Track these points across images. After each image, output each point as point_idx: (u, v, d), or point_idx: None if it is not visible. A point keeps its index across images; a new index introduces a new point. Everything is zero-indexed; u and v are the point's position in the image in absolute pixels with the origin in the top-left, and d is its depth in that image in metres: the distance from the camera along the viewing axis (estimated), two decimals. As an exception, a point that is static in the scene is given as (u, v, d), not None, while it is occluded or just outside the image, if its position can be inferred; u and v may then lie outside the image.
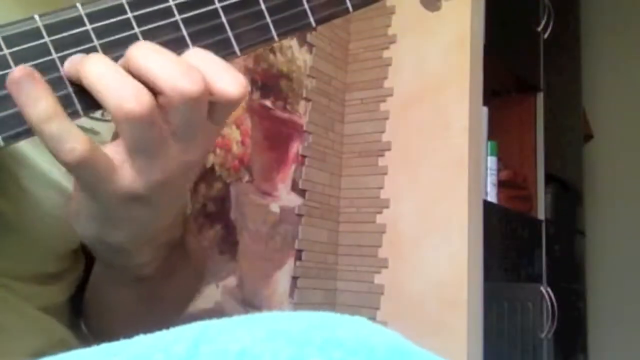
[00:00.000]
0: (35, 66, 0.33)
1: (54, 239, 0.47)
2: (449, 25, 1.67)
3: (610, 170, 2.73)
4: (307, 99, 1.68)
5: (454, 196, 1.57)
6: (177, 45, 0.36)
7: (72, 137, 0.32)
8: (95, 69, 0.33)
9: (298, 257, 1.60)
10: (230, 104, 0.36)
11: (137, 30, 0.35)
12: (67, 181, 0.44)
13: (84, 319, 0.57)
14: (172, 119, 0.34)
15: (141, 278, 0.46)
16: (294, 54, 1.65)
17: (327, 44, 1.77)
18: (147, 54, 0.34)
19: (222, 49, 0.37)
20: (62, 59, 0.34)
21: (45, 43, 0.33)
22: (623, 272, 2.63)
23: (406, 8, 1.76)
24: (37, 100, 0.32)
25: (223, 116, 0.37)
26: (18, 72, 0.32)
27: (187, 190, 0.42)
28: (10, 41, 0.33)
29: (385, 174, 1.70)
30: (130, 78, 0.33)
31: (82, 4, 0.35)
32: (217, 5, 0.37)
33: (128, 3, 0.35)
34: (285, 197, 1.57)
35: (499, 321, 1.65)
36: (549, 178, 2.06)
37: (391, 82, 1.73)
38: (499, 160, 1.82)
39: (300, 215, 1.61)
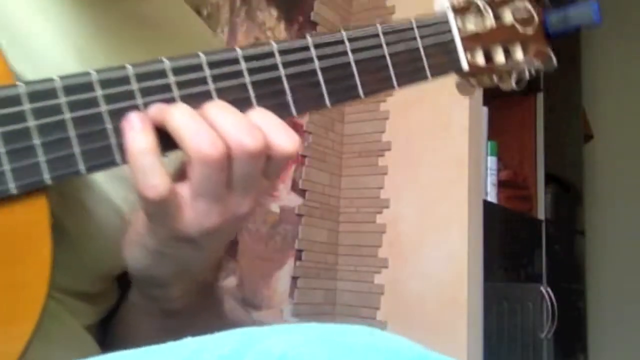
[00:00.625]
0: (124, 108, 0.38)
1: (107, 261, 0.50)
2: (449, 25, 1.67)
3: (610, 170, 2.73)
4: (307, 99, 1.68)
5: (454, 196, 1.57)
6: (243, 104, 0.40)
7: (159, 174, 0.36)
8: (180, 116, 0.37)
9: (298, 257, 1.60)
10: (284, 159, 0.39)
11: (211, 87, 0.40)
12: (126, 207, 0.48)
13: (107, 345, 0.59)
14: (233, 171, 0.38)
15: (170, 311, 0.48)
16: (294, 54, 1.65)
17: (327, 44, 1.77)
18: (219, 111, 0.38)
19: (281, 111, 0.42)
20: (146, 105, 0.39)
21: (132, 90, 0.39)
22: (623, 272, 2.63)
23: (406, 8, 1.76)
24: (141, 134, 0.37)
25: (276, 171, 0.41)
26: (136, 114, 0.37)
27: (232, 239, 0.46)
28: (105, 83, 0.38)
29: (385, 174, 1.70)
30: (208, 127, 0.37)
31: (168, 58, 0.40)
32: (282, 73, 0.42)
33: (208, 63, 0.40)
34: (285, 197, 1.58)
35: (499, 321, 1.65)
36: (549, 178, 2.06)
37: (391, 82, 1.73)
38: (499, 160, 1.82)
39: (300, 215, 1.61)
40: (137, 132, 0.37)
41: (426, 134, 1.66)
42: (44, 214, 0.37)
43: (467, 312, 1.50)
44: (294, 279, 1.58)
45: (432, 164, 1.63)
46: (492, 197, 1.74)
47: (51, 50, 0.46)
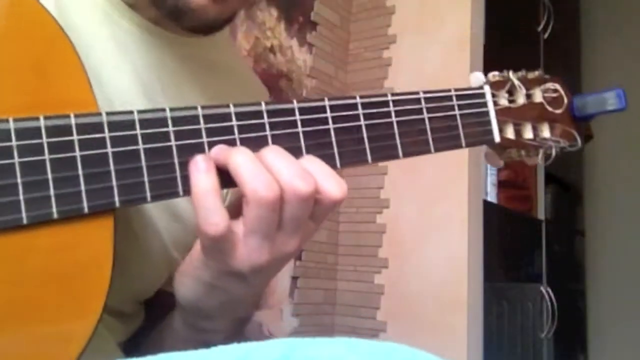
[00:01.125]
0: (191, 146, 0.41)
1: (146, 284, 0.53)
2: (449, 25, 1.67)
3: (610, 170, 2.73)
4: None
5: (454, 196, 1.57)
6: (294, 152, 0.43)
7: (220, 213, 0.39)
8: (240, 158, 0.40)
9: (298, 257, 1.60)
10: (332, 205, 0.42)
11: (268, 133, 0.44)
12: (167, 235, 0.51)
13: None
14: (284, 212, 0.41)
15: (209, 343, 0.50)
16: (294, 54, 1.65)
17: (327, 44, 1.77)
18: (275, 156, 0.41)
19: (327, 161, 0.44)
20: (210, 144, 0.42)
21: (200, 129, 0.42)
22: (623, 272, 2.63)
23: (406, 8, 1.76)
24: (206, 174, 0.40)
25: (323, 215, 0.43)
26: (202, 156, 0.40)
27: (274, 276, 0.48)
28: (175, 121, 0.42)
29: (385, 174, 1.70)
30: (265, 170, 0.40)
31: (234, 104, 0.43)
32: (330, 126, 0.46)
33: (267, 111, 0.44)
34: (285, 197, 1.57)
35: (499, 321, 1.65)
36: (549, 178, 2.06)
37: (391, 82, 1.73)
38: (499, 160, 1.82)
39: (300, 215, 1.61)
40: (202, 173, 0.40)
41: (426, 134, 1.66)
42: (109, 233, 0.40)
43: (467, 312, 1.50)
44: (294, 279, 1.58)
45: (432, 164, 1.63)
46: (492, 197, 1.74)
47: (118, 80, 0.50)
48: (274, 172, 0.40)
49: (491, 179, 1.76)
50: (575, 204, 2.48)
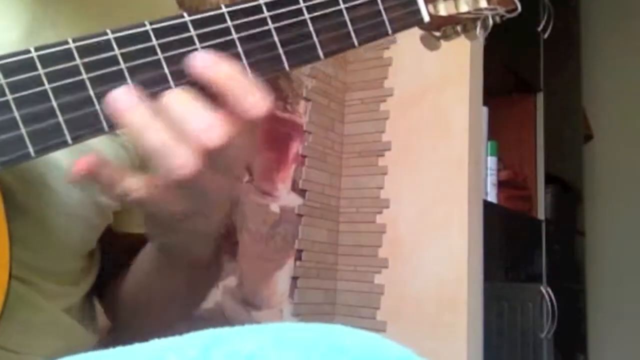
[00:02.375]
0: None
1: (74, 237, 0.51)
2: (449, 25, 1.67)
3: (610, 170, 2.73)
4: (307, 99, 1.68)
5: (454, 196, 1.57)
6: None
7: (132, 188, 0.39)
8: (142, 124, 0.37)
9: (298, 257, 1.60)
10: (251, 125, 0.39)
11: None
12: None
13: (114, 311, 0.62)
14: (211, 159, 0.38)
15: (195, 265, 0.52)
16: (294, 54, 1.65)
17: (327, 44, 1.77)
18: (179, 109, 0.38)
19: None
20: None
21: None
22: (623, 272, 2.63)
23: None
24: (101, 177, 0.39)
25: (250, 136, 0.41)
26: (82, 164, 0.38)
27: (235, 192, 0.48)
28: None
29: (385, 174, 1.70)
30: (176, 145, 0.37)
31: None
32: (234, 36, 0.41)
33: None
34: (285, 197, 1.58)
35: (499, 321, 1.65)
36: (549, 178, 2.06)
37: (391, 82, 1.73)
38: (499, 160, 1.82)
39: (300, 215, 1.61)
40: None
41: (426, 134, 1.66)
42: None
43: (467, 312, 1.50)
44: (294, 279, 1.58)
45: (432, 164, 1.63)
46: (492, 197, 1.74)
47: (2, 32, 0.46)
48: (179, 129, 0.37)
49: (491, 179, 1.75)
50: (575, 204, 2.48)
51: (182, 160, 0.37)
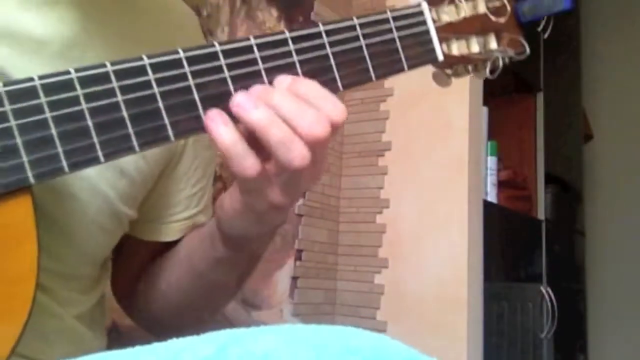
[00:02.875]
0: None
1: (94, 245, 0.53)
2: (449, 25, 1.67)
3: (610, 170, 2.73)
4: (307, 99, 1.68)
5: (454, 196, 1.57)
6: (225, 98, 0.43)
7: (251, 156, 0.42)
8: (272, 130, 0.41)
9: (298, 257, 1.60)
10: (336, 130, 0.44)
11: (261, 66, 0.43)
12: (113, 193, 0.52)
13: (146, 313, 0.64)
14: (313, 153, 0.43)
15: (252, 258, 0.57)
16: (294, 54, 1.65)
17: (327, 44, 1.77)
18: (291, 105, 0.42)
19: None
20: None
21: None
22: (623, 272, 2.63)
23: (406, 8, 1.76)
24: (226, 126, 0.41)
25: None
26: (213, 112, 0.42)
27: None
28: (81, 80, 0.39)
29: (385, 174, 1.70)
30: (298, 139, 0.41)
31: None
32: (261, 67, 0.44)
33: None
34: (285, 197, 1.57)
35: (499, 321, 1.65)
36: (549, 178, 2.06)
37: (391, 82, 1.73)
38: (499, 160, 1.82)
39: (300, 215, 1.61)
40: (221, 126, 0.41)
41: (426, 134, 1.66)
42: (28, 210, 0.38)
43: (467, 312, 1.50)
44: (294, 279, 1.58)
45: (432, 164, 1.63)
46: (492, 197, 1.74)
47: (45, 43, 0.48)
48: (292, 122, 0.41)
49: (491, 179, 1.75)
50: (575, 204, 2.48)
51: (301, 153, 0.41)
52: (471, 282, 1.53)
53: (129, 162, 0.52)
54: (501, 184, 1.81)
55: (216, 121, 0.41)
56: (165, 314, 0.62)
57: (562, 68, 2.29)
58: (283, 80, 0.44)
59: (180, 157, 0.60)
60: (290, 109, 0.42)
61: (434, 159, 1.63)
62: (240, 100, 0.42)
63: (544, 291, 1.88)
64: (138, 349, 0.33)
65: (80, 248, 0.51)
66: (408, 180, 1.66)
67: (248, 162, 0.41)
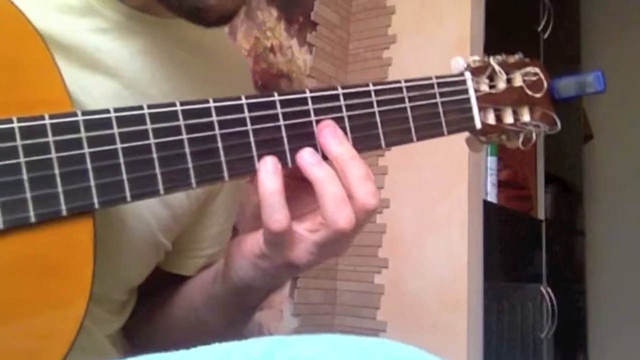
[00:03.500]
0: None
1: (133, 270, 0.55)
2: (449, 26, 1.67)
3: (610, 170, 2.73)
4: (307, 99, 1.67)
5: (454, 196, 1.57)
6: (276, 144, 0.45)
7: (284, 212, 0.42)
8: (325, 180, 0.43)
9: (298, 257, 1.60)
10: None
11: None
12: (155, 223, 0.53)
13: (137, 335, 0.64)
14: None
15: (245, 308, 0.56)
16: (294, 54, 1.65)
17: (327, 44, 1.77)
18: (354, 170, 0.44)
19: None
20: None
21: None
22: (623, 272, 2.63)
23: (406, 8, 1.76)
24: (274, 176, 0.42)
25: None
26: (271, 158, 0.43)
27: None
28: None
29: (385, 174, 1.70)
30: (348, 202, 0.43)
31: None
32: (312, 119, 0.46)
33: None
34: (285, 197, 1.57)
35: (499, 321, 1.65)
36: (549, 178, 2.06)
37: (391, 82, 1.73)
38: (499, 160, 1.82)
39: (300, 215, 1.61)
40: (270, 174, 0.42)
41: (426, 134, 1.66)
42: (89, 235, 0.40)
43: (467, 312, 1.50)
44: (294, 279, 1.58)
45: (432, 164, 1.63)
46: (492, 197, 1.74)
47: (134, 72, 0.51)
48: (350, 186, 0.43)
49: (491, 179, 1.75)
50: (575, 204, 2.48)
51: (349, 215, 0.42)
52: (471, 282, 1.53)
53: (175, 196, 0.53)
54: (501, 184, 1.81)
55: (267, 167, 0.43)
56: (150, 338, 0.63)
57: (562, 68, 2.29)
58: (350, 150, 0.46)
59: (217, 195, 0.61)
60: (352, 173, 0.44)
61: (434, 159, 1.63)
62: (307, 153, 0.44)
63: (544, 291, 1.88)
64: (185, 353, 0.34)
65: (118, 272, 0.52)
66: (408, 180, 1.66)
67: (280, 216, 0.42)
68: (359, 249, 1.70)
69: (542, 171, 2.02)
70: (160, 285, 0.62)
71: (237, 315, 0.57)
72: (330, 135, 0.45)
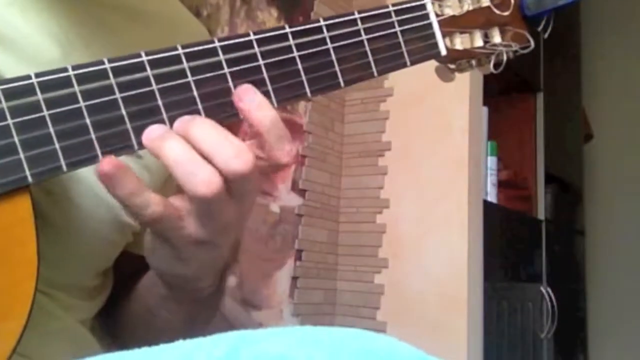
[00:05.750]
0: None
1: (96, 255, 0.52)
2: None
3: (610, 170, 2.73)
4: (307, 99, 1.68)
5: (454, 196, 1.57)
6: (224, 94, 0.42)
7: (151, 203, 0.39)
8: (173, 153, 0.38)
9: (298, 257, 1.60)
10: (277, 166, 0.42)
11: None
12: (113, 199, 0.49)
13: (117, 330, 0.61)
14: (232, 189, 0.40)
15: (199, 299, 0.52)
16: (294, 54, 1.65)
17: (327, 44, 1.77)
18: (205, 134, 0.39)
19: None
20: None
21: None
22: (623, 272, 2.63)
23: (406, 8, 1.76)
24: (124, 183, 0.38)
25: (272, 171, 0.43)
26: (107, 164, 0.38)
27: (242, 228, 0.48)
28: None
29: (385, 174, 1.70)
30: (203, 163, 0.39)
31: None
32: (260, 62, 0.43)
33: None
34: (285, 197, 1.58)
35: (499, 321, 1.65)
36: (549, 178, 2.06)
37: (391, 82, 1.73)
38: (499, 160, 1.82)
39: (300, 215, 1.61)
40: (119, 184, 0.38)
41: (426, 134, 1.66)
42: (28, 212, 0.38)
43: (467, 312, 1.50)
44: (294, 279, 1.58)
45: (432, 164, 1.63)
46: (492, 197, 1.74)
47: (34, 43, 0.47)
48: (209, 156, 0.39)
49: (491, 179, 1.75)
50: (575, 204, 2.48)
51: (206, 177, 0.38)
52: (471, 282, 1.53)
53: (134, 168, 0.50)
54: (501, 184, 1.81)
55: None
56: (126, 333, 0.61)
57: (562, 68, 2.29)
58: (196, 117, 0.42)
59: None
60: (205, 139, 0.39)
61: (434, 159, 1.63)
62: (155, 129, 0.40)
63: (544, 291, 1.88)
64: (148, 350, 0.33)
65: (81, 257, 0.50)
66: (408, 180, 1.66)
67: (147, 212, 0.39)
68: (359, 248, 1.70)
69: (542, 171, 2.02)
70: (131, 269, 0.59)
71: (197, 310, 0.54)
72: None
